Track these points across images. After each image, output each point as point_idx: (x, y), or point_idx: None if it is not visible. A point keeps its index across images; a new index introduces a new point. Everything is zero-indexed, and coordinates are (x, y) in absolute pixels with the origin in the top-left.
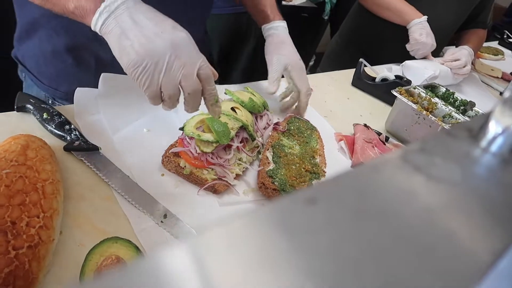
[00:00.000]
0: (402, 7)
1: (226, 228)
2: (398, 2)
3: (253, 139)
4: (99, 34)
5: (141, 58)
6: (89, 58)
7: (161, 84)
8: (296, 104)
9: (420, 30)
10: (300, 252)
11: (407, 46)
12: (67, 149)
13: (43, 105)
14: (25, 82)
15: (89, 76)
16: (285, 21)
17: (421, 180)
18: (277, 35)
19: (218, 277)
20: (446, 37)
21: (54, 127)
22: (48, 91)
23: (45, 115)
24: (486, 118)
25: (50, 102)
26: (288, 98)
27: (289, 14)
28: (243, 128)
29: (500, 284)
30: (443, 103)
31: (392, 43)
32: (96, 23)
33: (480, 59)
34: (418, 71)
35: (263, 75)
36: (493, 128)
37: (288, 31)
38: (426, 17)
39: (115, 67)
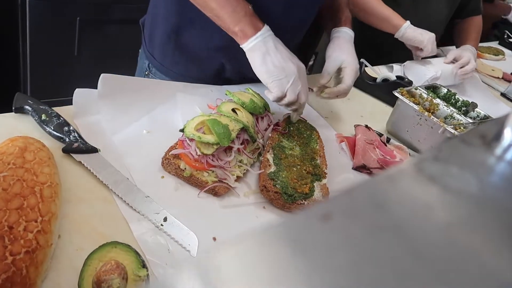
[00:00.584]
0: (387, 13)
1: (237, 248)
2: (383, 8)
3: (254, 141)
4: (245, 51)
5: (277, 70)
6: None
7: (286, 92)
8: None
9: (414, 35)
10: (317, 272)
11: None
12: (66, 151)
13: (41, 106)
14: (140, 53)
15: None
16: (353, 32)
17: (437, 192)
18: (343, 38)
19: None
20: (441, 30)
21: (52, 128)
22: (149, 59)
23: (43, 116)
24: (500, 124)
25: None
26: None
27: None
28: (244, 129)
29: None
30: (445, 104)
31: (389, 44)
32: (249, 44)
33: (481, 59)
34: (419, 71)
35: None
36: (508, 135)
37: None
38: (408, 21)
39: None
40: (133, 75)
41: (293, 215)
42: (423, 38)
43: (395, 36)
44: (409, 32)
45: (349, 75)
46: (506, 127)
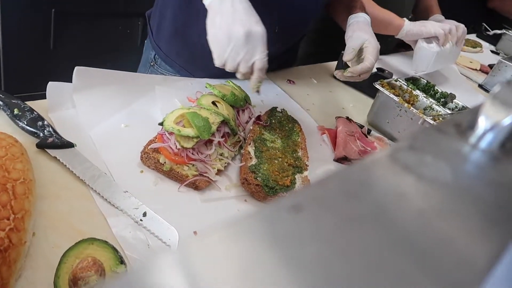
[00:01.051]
0: (387, 16)
1: (205, 242)
2: (382, 12)
3: (235, 134)
4: (206, 7)
5: (222, 34)
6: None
7: (226, 58)
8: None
9: (419, 29)
10: (285, 265)
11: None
12: (40, 146)
13: (13, 101)
14: (145, 44)
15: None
16: (368, 15)
17: (412, 181)
18: (362, 21)
19: None
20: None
21: (26, 123)
22: (156, 50)
23: (16, 111)
24: (474, 113)
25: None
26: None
27: None
28: (225, 122)
29: (499, 285)
30: (424, 95)
31: None
32: (206, 0)
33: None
34: (424, 52)
35: None
36: (483, 123)
37: (370, 23)
38: (406, 19)
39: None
40: (112, 68)
41: (263, 207)
42: (429, 29)
43: (397, 37)
44: (412, 28)
45: (372, 53)
46: (480, 116)
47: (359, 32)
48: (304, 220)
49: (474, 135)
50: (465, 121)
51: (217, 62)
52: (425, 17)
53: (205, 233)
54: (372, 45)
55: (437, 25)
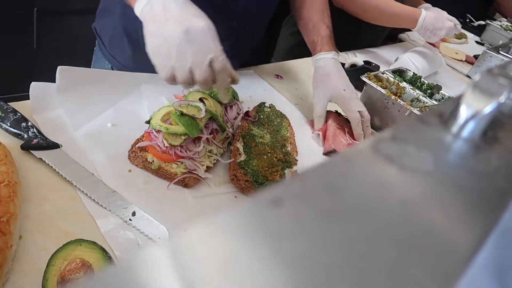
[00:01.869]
0: (401, 10)
1: (184, 237)
2: (396, 5)
3: (223, 130)
4: (140, 19)
5: (159, 41)
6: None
7: (174, 69)
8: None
9: (435, 19)
10: (265, 259)
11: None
12: (24, 148)
13: None
14: (95, 56)
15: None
16: (333, 52)
17: (394, 171)
18: (322, 68)
19: None
20: None
21: (9, 125)
22: (112, 61)
23: None
24: (456, 103)
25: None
26: None
27: None
28: (213, 119)
29: (482, 273)
30: (411, 87)
31: (356, 30)
32: (137, 9)
33: (445, 42)
34: (428, 57)
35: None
36: (464, 112)
37: (337, 60)
38: (424, 14)
39: None
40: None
41: (243, 201)
42: (445, 20)
43: (414, 30)
44: (428, 20)
45: (344, 108)
46: (461, 105)
47: (322, 89)
48: (284, 214)
49: (456, 124)
50: (447, 111)
51: (163, 75)
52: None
53: (184, 228)
54: (338, 100)
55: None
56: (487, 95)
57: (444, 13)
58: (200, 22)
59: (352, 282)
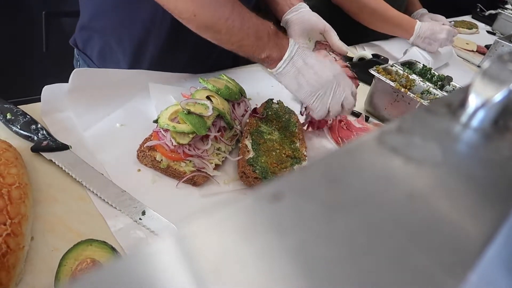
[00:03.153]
0: (399, 19)
1: (183, 232)
2: (394, 13)
3: (231, 127)
4: (277, 76)
5: (315, 89)
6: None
7: (329, 106)
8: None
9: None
10: (265, 254)
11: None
12: (34, 150)
13: (6, 105)
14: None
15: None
16: (303, 2)
17: (399, 162)
18: (302, 14)
19: None
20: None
21: (19, 127)
22: None
23: (8, 116)
24: (465, 91)
25: None
26: None
27: None
28: (220, 116)
29: (494, 265)
30: (421, 79)
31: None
32: (279, 68)
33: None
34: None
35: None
36: (473, 101)
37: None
38: (419, 23)
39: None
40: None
41: (244, 197)
42: (442, 25)
43: (410, 41)
44: (424, 30)
45: (333, 35)
46: (470, 94)
47: (307, 24)
48: (285, 208)
49: (465, 113)
50: (456, 100)
51: (321, 114)
52: (408, 13)
53: (184, 224)
54: (328, 30)
55: (442, 29)
56: (497, 82)
57: (440, 17)
58: (337, 65)
59: (355, 274)
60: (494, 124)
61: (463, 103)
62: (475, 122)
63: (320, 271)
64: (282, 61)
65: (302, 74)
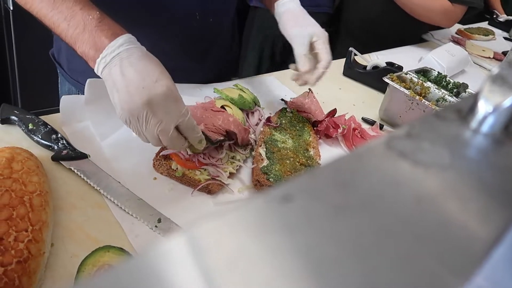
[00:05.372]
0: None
1: (192, 236)
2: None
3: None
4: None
5: (125, 114)
6: None
7: (143, 138)
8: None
9: None
10: (274, 254)
11: None
12: (55, 158)
13: (28, 116)
14: (59, 79)
15: None
16: None
17: (407, 167)
18: (292, 10)
19: None
20: None
21: (40, 137)
22: (76, 86)
23: (30, 126)
24: (475, 97)
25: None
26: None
27: None
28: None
29: (501, 268)
30: (436, 87)
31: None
32: (97, 71)
33: (471, 40)
34: (444, 56)
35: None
36: (483, 107)
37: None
38: None
39: None
40: None
41: (253, 198)
42: None
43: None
44: None
45: (324, 48)
46: (479, 99)
47: (299, 28)
48: (294, 210)
49: (474, 119)
50: (466, 106)
51: (141, 139)
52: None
53: (195, 224)
54: (320, 38)
55: None
56: (507, 87)
57: None
58: (161, 87)
59: (362, 273)
60: (504, 129)
61: (472, 109)
62: (485, 127)
63: (327, 270)
64: (96, 64)
65: (116, 89)
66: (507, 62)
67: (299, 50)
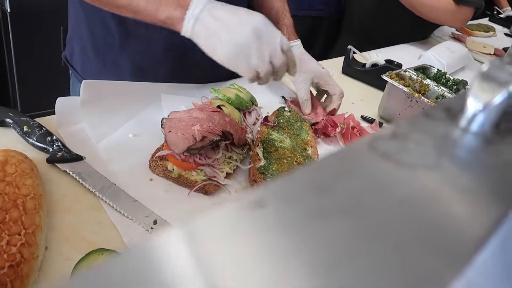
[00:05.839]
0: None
1: (163, 240)
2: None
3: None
4: (192, 40)
5: (231, 51)
6: (124, 59)
7: (256, 66)
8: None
9: None
10: (248, 261)
11: None
12: (50, 161)
13: (23, 118)
14: (71, 81)
15: (125, 76)
16: (299, 40)
17: (390, 168)
18: (298, 53)
19: None
20: None
21: (35, 139)
22: None
23: (25, 128)
24: (464, 95)
25: None
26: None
27: None
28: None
29: (490, 265)
30: (435, 84)
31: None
32: (186, 31)
33: (471, 36)
34: (446, 54)
35: None
36: (472, 105)
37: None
38: None
39: (150, 71)
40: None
41: (225, 205)
42: None
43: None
44: None
45: (329, 83)
46: (468, 97)
47: (301, 73)
48: (267, 215)
49: (464, 117)
50: (456, 105)
51: (250, 76)
52: None
53: (163, 232)
54: (321, 78)
55: None
56: (496, 84)
57: None
58: (257, 16)
59: (338, 279)
60: (495, 127)
61: (462, 107)
62: (474, 126)
63: (300, 272)
64: (185, 21)
65: (213, 35)
66: (496, 59)
67: (301, 96)
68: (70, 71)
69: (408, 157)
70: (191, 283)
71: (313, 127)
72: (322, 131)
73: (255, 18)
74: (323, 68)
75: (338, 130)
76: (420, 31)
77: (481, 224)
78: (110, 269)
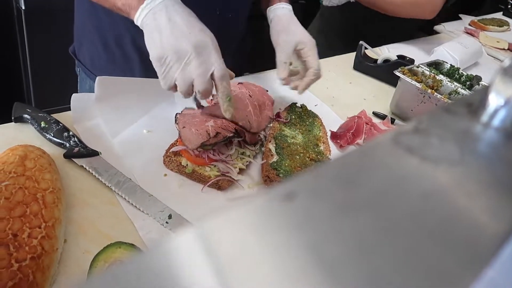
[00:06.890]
0: None
1: (194, 234)
2: None
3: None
4: (140, 27)
5: (165, 52)
6: (134, 52)
7: (176, 79)
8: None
9: None
10: (277, 253)
11: None
12: (67, 156)
13: (40, 114)
14: (79, 77)
15: (135, 70)
16: (290, 5)
17: (415, 163)
18: (283, 16)
19: None
20: None
21: (52, 135)
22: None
23: (42, 124)
24: (486, 90)
25: None
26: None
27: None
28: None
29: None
30: (448, 79)
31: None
32: (138, 18)
33: (485, 31)
34: (457, 48)
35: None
36: (494, 100)
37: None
38: None
39: None
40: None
41: (256, 197)
42: None
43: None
44: None
45: (311, 55)
46: (490, 93)
47: (285, 36)
48: (297, 208)
49: (485, 113)
50: (477, 100)
51: (165, 85)
52: None
53: (196, 224)
54: (307, 46)
55: None
56: None
57: None
58: (206, 36)
59: (368, 272)
60: None
61: (483, 102)
62: (496, 121)
63: (329, 269)
64: (139, 10)
65: (158, 30)
66: None
67: (280, 57)
68: (77, 68)
69: (432, 152)
70: (220, 278)
71: (334, 141)
72: (347, 141)
73: (203, 37)
74: (310, 36)
75: (360, 141)
76: (403, 29)
77: (504, 220)
78: (136, 267)
